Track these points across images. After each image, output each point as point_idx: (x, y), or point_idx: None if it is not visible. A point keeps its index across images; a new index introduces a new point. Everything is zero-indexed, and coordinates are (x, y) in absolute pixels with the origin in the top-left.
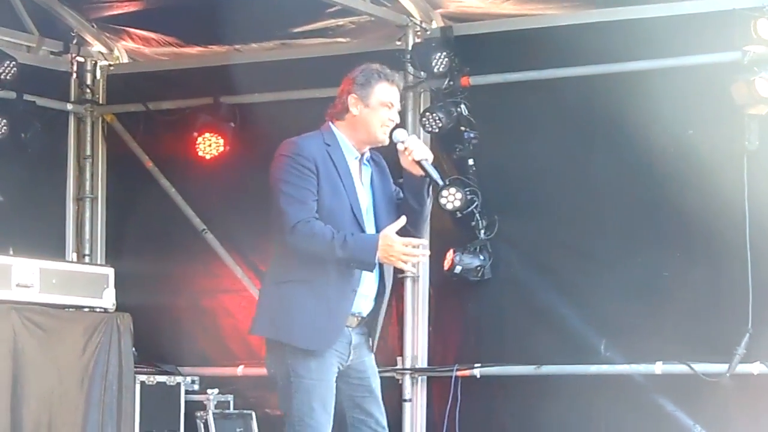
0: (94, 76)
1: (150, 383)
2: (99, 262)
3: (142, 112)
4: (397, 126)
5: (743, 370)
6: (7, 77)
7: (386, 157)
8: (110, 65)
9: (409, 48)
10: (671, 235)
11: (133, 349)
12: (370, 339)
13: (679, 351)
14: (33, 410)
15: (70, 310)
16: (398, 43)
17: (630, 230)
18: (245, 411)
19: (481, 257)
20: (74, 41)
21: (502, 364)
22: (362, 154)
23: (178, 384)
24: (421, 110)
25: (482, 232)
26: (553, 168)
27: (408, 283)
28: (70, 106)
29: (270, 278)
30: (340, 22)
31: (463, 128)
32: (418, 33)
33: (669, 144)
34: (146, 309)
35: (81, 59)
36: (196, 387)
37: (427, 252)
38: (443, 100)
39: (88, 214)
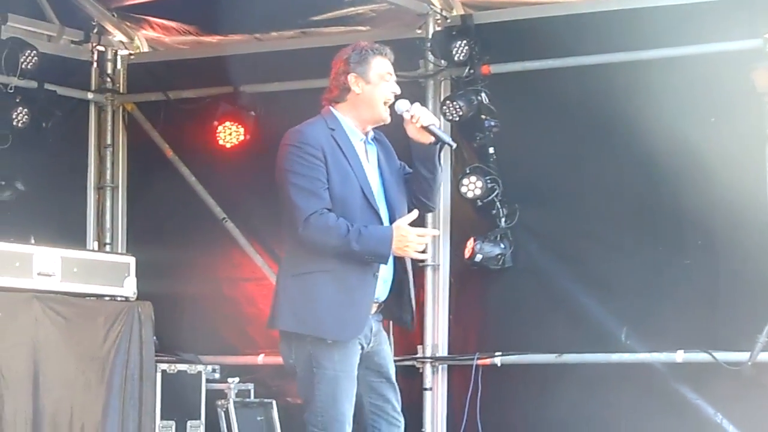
0: (115, 66)
1: (171, 372)
2: (120, 251)
3: (163, 101)
4: (398, 97)
5: (765, 358)
6: (28, 67)
7: (387, 136)
8: (131, 54)
9: (430, 36)
10: (693, 222)
11: (154, 337)
12: (410, 317)
13: (700, 339)
14: (54, 399)
15: (91, 298)
16: (418, 31)
17: (651, 218)
18: (266, 399)
19: (502, 246)
20: (95, 30)
21: (522, 352)
22: (366, 134)
23: (199, 372)
24: (442, 99)
25: (503, 220)
26: (574, 156)
27: (428, 272)
28: (90, 96)
29: (285, 271)
30: (360, 10)
31: (483, 117)
32: (439, 21)
33: (691, 131)
34: (167, 298)
35: (101, 48)
36: (216, 375)
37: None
38: (464, 89)
39: (108, 203)
